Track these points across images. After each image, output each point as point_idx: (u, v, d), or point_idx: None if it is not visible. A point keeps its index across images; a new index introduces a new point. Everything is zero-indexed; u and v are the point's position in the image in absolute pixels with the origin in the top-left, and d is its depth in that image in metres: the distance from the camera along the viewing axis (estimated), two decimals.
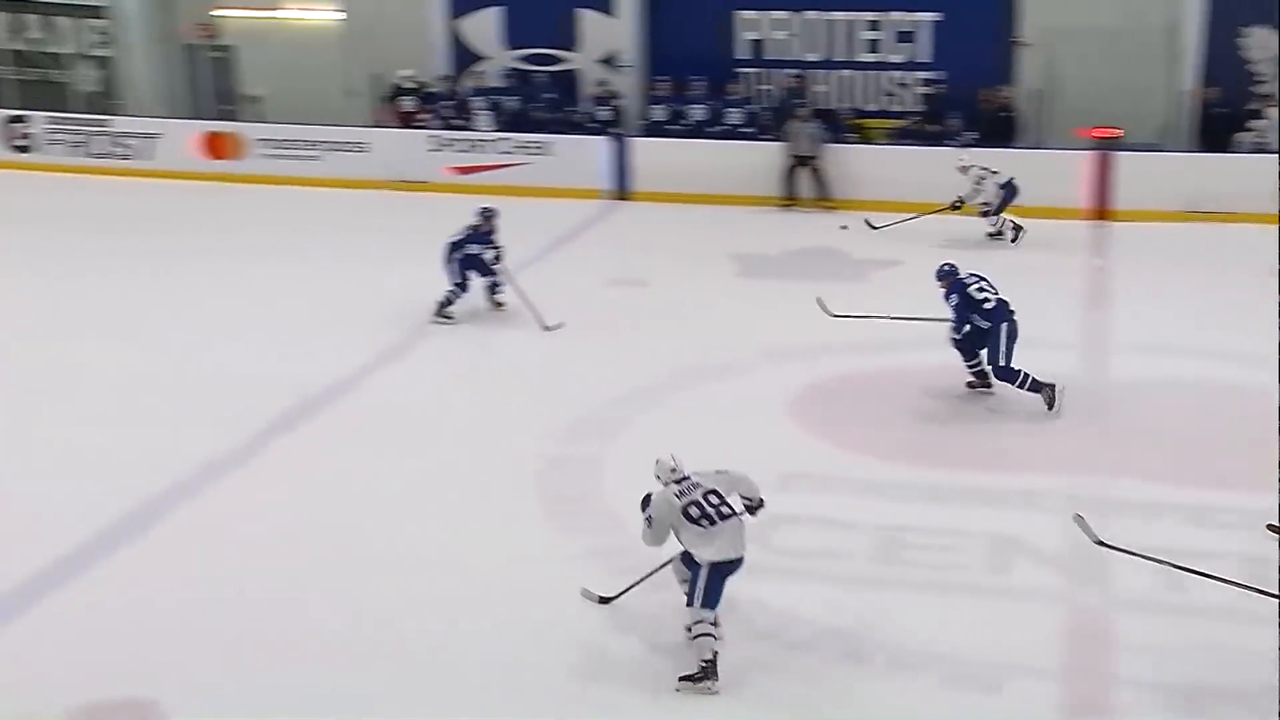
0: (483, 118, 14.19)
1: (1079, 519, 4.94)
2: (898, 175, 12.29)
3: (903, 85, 13.81)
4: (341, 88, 15.11)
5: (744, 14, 14.19)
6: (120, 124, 15.22)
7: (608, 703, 4.54)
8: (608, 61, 14.65)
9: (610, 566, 5.32)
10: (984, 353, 7.37)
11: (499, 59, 14.88)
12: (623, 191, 13.26)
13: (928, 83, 13.59)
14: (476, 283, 9.36)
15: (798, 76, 13.79)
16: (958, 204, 11.39)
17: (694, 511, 4.70)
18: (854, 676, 4.63)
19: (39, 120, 15.34)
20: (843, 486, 6.15)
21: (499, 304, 9.61)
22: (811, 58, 13.94)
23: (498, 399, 7.45)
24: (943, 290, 7.39)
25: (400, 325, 8.95)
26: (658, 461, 4.88)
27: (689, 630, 4.71)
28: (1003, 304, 7.27)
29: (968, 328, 7.32)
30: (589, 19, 14.60)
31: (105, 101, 16.19)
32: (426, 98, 14.63)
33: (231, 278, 10.34)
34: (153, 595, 5.18)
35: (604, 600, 5.07)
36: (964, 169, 11.48)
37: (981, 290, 7.29)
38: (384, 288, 9.78)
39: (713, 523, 4.67)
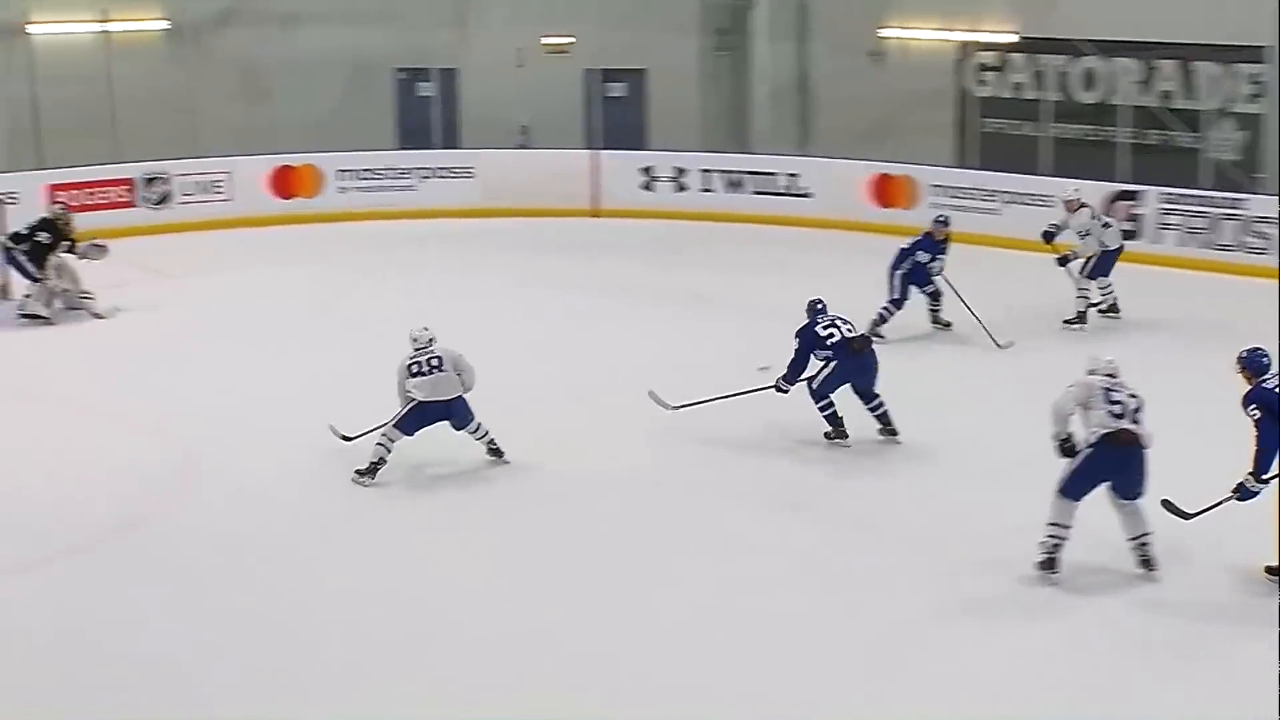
0: None
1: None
2: None
3: None
4: None
5: None
6: (1257, 205, 15.86)
7: None
8: None
9: None
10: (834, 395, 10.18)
11: None
12: None
13: None
14: (916, 298, 13.10)
15: None
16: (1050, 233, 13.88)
17: (414, 368, 9.33)
18: None
19: (1152, 198, 16.60)
20: None
21: (943, 323, 13.34)
22: None
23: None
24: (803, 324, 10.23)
25: None
26: (410, 329, 9.35)
27: (379, 435, 9.40)
28: (848, 341, 10.05)
29: (816, 373, 10.07)
30: None
31: (1241, 174, 16.99)
32: None
33: None
34: None
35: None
36: (1074, 207, 13.89)
37: (829, 328, 10.11)
38: None
39: (425, 374, 9.26)
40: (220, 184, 18.98)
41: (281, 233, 18.31)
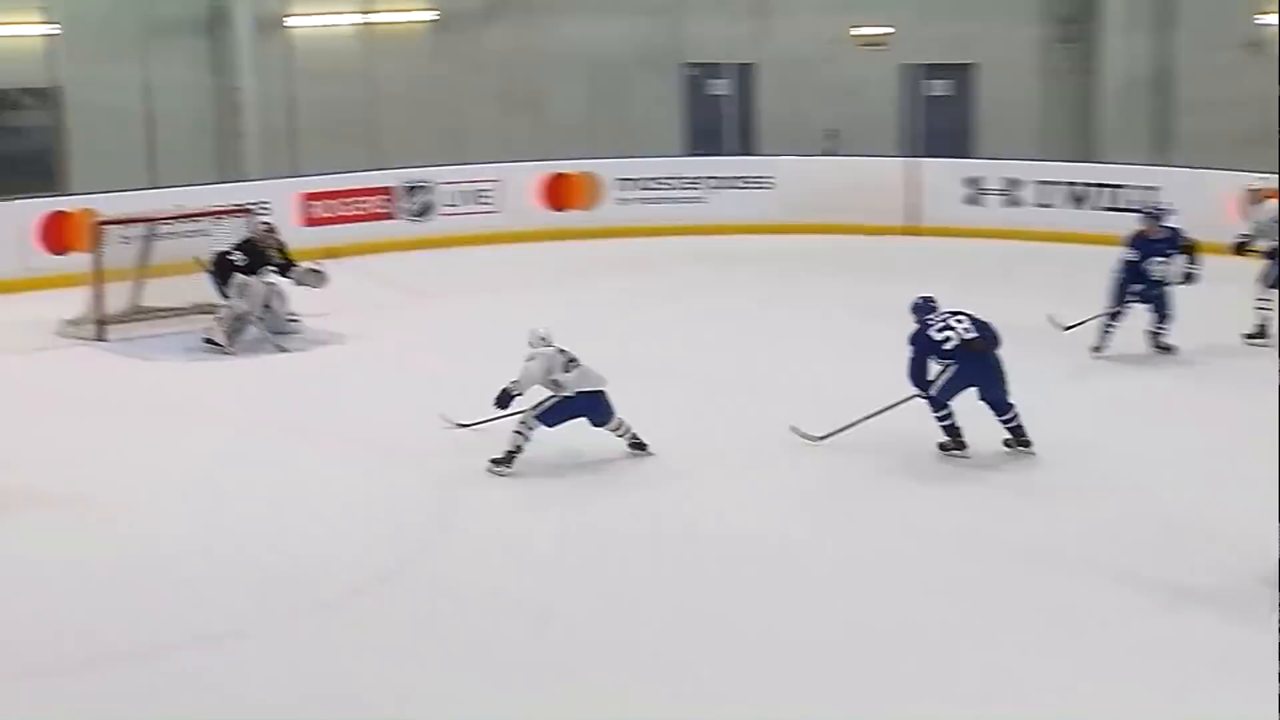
0: None
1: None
2: None
3: None
4: None
5: None
6: None
7: None
8: None
9: None
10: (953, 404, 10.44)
11: None
12: None
13: None
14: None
15: None
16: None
17: (567, 354, 10.29)
18: None
19: None
20: None
21: (1163, 346, 12.84)
22: None
23: None
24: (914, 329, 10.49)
25: None
26: (531, 331, 10.27)
27: (518, 422, 10.23)
28: (966, 342, 10.21)
29: (935, 378, 10.30)
30: None
31: None
32: None
33: None
34: None
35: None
36: (1259, 198, 14.11)
37: (945, 329, 10.25)
38: None
39: (573, 367, 10.27)
40: (487, 194, 18.94)
41: (553, 249, 18.32)
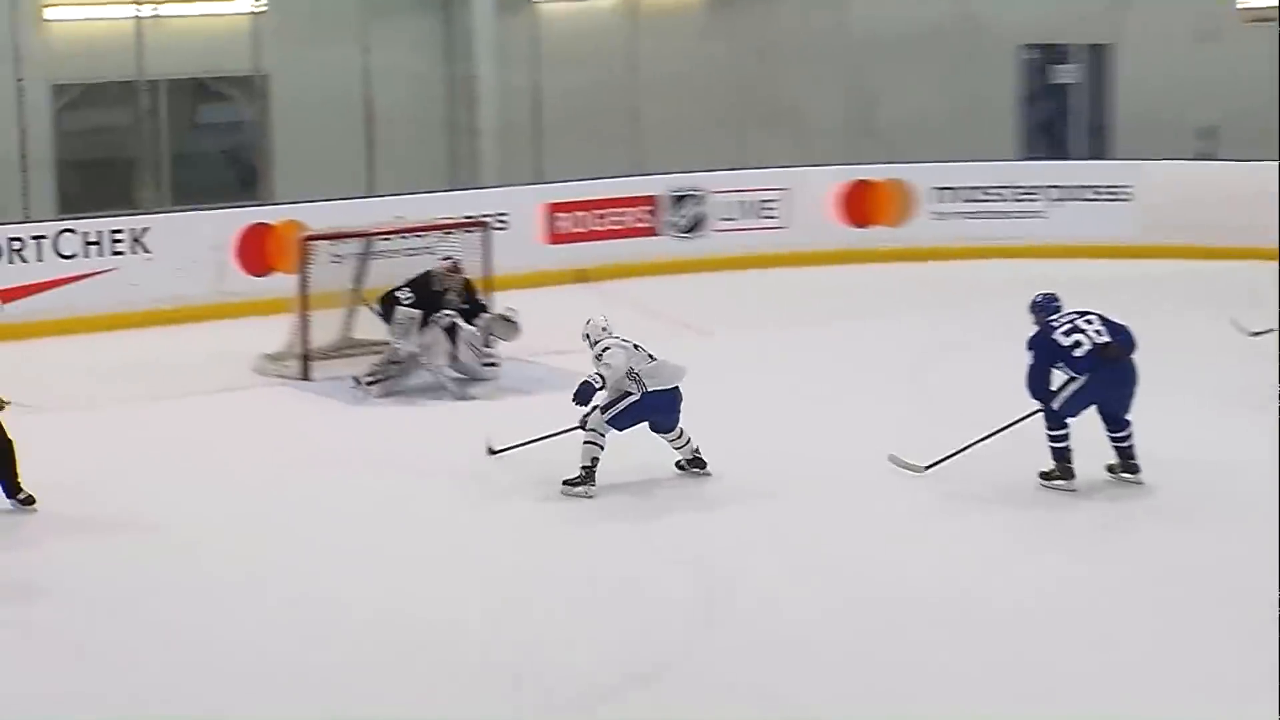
0: None
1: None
2: None
3: None
4: None
5: None
6: None
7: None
8: None
9: None
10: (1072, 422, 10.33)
11: None
12: None
13: None
14: None
15: None
16: None
17: (644, 350, 10.26)
18: None
19: None
20: None
21: None
22: None
23: None
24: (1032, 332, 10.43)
25: None
26: (589, 322, 10.30)
27: (585, 431, 10.13)
28: (1100, 347, 9.99)
29: (1058, 390, 10.08)
30: None
31: None
32: None
33: None
34: None
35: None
36: None
37: (1073, 332, 10.06)
38: None
39: (654, 359, 10.26)
40: (772, 205, 18.04)
41: (854, 274, 17.41)
